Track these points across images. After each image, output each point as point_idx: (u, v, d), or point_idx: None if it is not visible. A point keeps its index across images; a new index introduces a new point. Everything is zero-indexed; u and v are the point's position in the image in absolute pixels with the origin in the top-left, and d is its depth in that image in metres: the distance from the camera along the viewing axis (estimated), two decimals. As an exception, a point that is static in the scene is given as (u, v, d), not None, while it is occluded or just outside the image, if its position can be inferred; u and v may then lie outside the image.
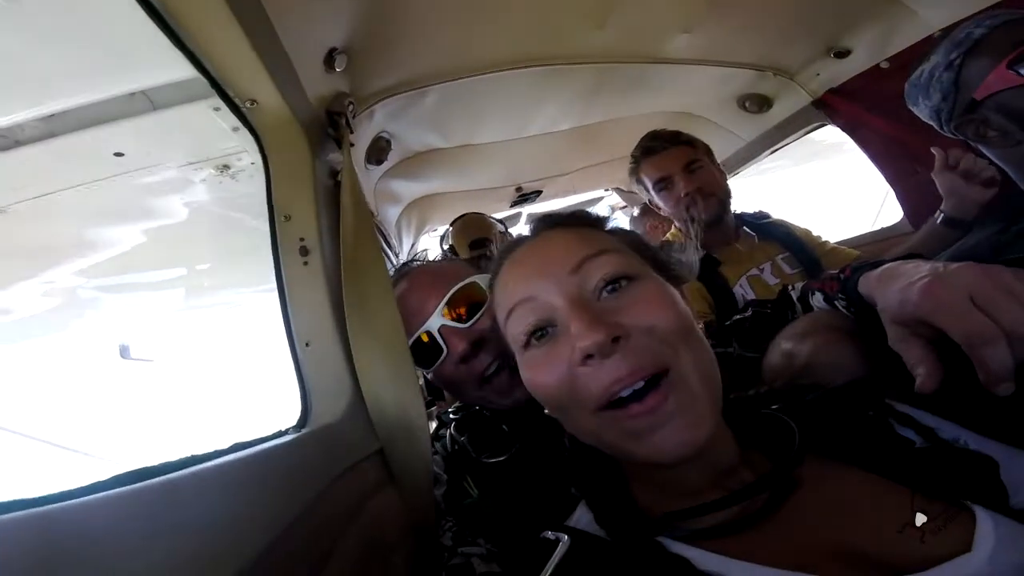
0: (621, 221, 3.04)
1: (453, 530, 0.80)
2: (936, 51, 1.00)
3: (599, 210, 2.39)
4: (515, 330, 0.62)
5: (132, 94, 0.96)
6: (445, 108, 1.59)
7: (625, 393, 0.53)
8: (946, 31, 1.00)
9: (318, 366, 0.84)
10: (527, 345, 0.61)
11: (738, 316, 1.02)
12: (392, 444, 0.83)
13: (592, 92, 1.75)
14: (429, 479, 0.85)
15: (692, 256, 0.71)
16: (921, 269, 0.55)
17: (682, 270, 0.70)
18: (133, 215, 1.37)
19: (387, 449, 0.83)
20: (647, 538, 0.54)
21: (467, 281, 0.94)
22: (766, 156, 2.24)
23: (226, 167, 1.20)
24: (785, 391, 0.69)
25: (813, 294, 0.79)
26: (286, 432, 0.74)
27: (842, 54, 1.65)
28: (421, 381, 1.00)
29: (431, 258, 1.14)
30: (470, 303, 0.93)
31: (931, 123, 1.07)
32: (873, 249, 1.82)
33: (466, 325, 0.91)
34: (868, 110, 1.70)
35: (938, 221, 1.34)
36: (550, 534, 0.56)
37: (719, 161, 1.80)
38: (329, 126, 1.01)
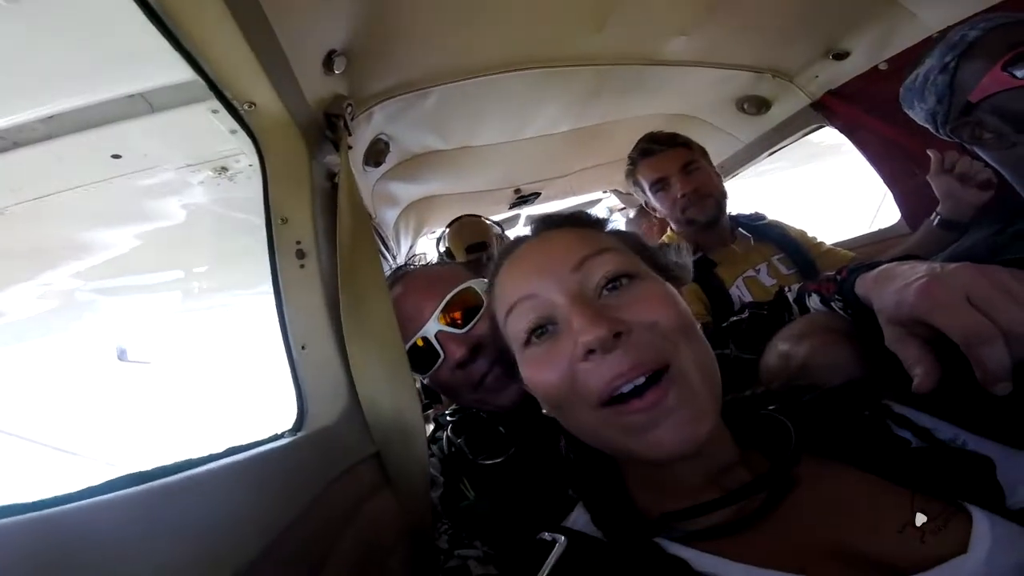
0: (618, 223, 3.04)
1: (449, 533, 0.80)
2: (931, 54, 1.00)
3: (598, 212, 2.38)
4: (515, 327, 0.62)
5: (130, 96, 0.96)
6: (444, 110, 1.59)
7: (626, 389, 0.53)
8: (944, 33, 1.00)
9: (314, 369, 0.83)
10: (527, 343, 0.61)
11: (735, 318, 1.02)
12: (388, 447, 0.83)
13: (591, 94, 1.75)
14: (425, 482, 0.85)
15: (687, 259, 0.71)
16: (918, 270, 0.55)
17: (680, 272, 0.70)
18: (131, 217, 1.37)
19: (383, 452, 0.83)
20: (644, 539, 0.54)
21: (463, 286, 0.94)
22: (765, 158, 2.24)
23: (224, 169, 1.20)
24: (782, 392, 0.69)
25: (810, 296, 0.79)
26: (282, 435, 0.74)
27: (841, 56, 1.66)
28: (417, 384, 1.00)
29: (427, 262, 1.14)
30: (466, 308, 0.93)
31: (927, 126, 1.07)
32: (871, 251, 1.82)
33: (463, 330, 0.91)
34: (867, 112, 1.71)
35: (934, 223, 1.34)
36: (547, 535, 0.56)
37: (718, 163, 1.80)
38: (327, 128, 1.01)
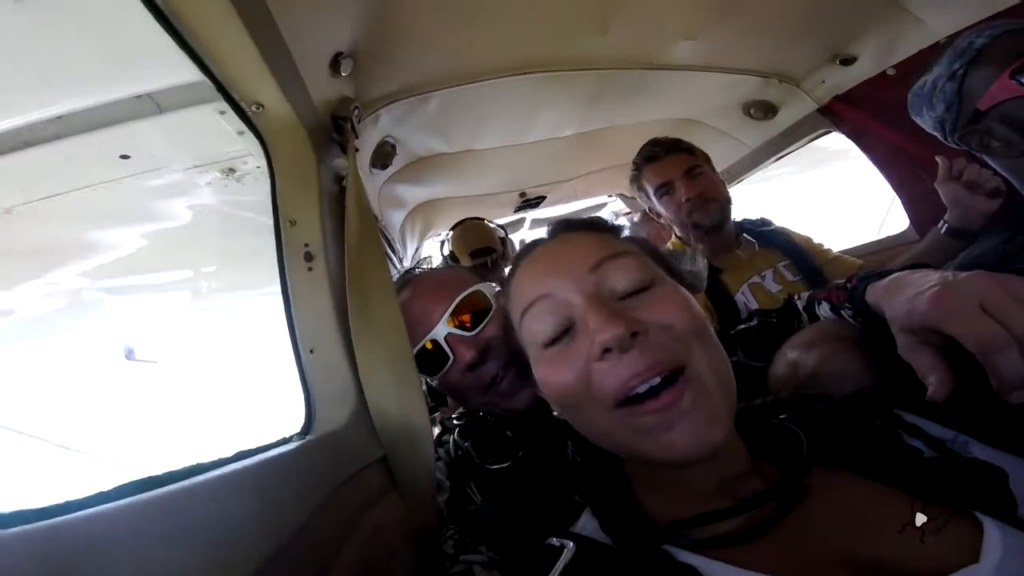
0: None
1: (455, 537, 0.80)
2: (938, 61, 1.00)
3: (602, 216, 2.38)
4: (531, 327, 0.63)
5: (139, 96, 0.96)
6: (449, 113, 1.59)
7: (641, 389, 0.53)
8: (952, 38, 1.00)
9: (322, 372, 0.84)
10: (545, 346, 0.61)
11: (743, 325, 1.01)
12: (395, 451, 0.83)
13: (595, 98, 1.75)
14: (432, 486, 0.85)
15: (701, 267, 0.71)
16: (930, 278, 0.54)
17: (694, 280, 0.70)
18: (139, 217, 1.38)
19: (390, 456, 0.83)
20: (653, 546, 0.53)
21: (472, 289, 0.94)
22: (771, 163, 2.23)
23: (232, 170, 1.21)
24: (791, 401, 0.69)
25: (819, 304, 0.79)
26: (290, 439, 0.74)
27: (848, 61, 1.65)
28: (424, 387, 1.00)
29: (434, 265, 1.14)
30: (476, 311, 0.93)
31: (935, 134, 1.06)
32: (879, 258, 1.81)
33: (472, 333, 0.91)
34: (874, 117, 1.70)
35: (942, 231, 1.32)
36: (555, 541, 0.56)
37: (725, 168, 1.79)
38: (334, 131, 1.01)
